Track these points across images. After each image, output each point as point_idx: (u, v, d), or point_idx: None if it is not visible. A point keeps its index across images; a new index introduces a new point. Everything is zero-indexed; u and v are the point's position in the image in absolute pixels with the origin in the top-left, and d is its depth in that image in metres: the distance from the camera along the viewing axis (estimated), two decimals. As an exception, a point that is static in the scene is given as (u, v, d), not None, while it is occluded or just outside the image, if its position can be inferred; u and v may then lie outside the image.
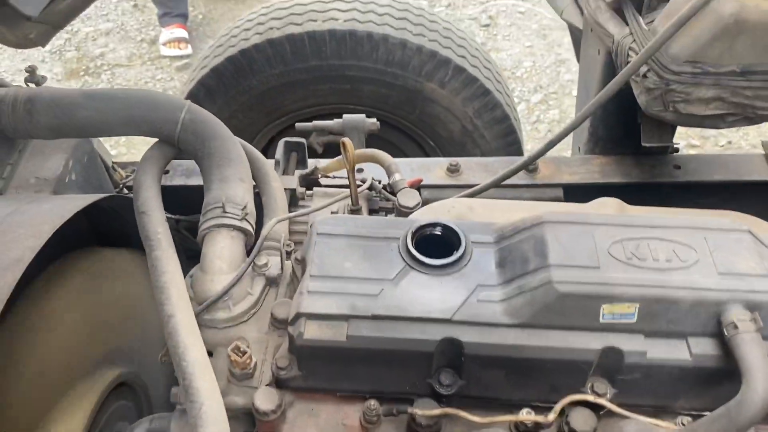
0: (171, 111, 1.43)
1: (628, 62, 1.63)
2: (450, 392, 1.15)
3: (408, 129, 2.77)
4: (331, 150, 2.35)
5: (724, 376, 1.11)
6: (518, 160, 2.01)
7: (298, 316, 1.14)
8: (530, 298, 1.11)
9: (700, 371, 1.12)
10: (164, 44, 5.02)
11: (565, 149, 4.04)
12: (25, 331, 1.26)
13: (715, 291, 1.09)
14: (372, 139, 2.57)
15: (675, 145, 2.04)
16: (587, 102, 2.06)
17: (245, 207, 1.34)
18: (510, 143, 2.80)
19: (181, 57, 4.98)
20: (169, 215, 1.82)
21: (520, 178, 1.97)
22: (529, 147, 4.52)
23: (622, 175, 1.96)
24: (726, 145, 4.34)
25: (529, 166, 1.97)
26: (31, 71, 1.48)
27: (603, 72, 1.89)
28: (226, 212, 1.32)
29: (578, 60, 2.93)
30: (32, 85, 1.47)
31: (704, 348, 1.11)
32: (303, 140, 1.77)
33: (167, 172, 2.09)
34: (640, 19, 1.64)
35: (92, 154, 1.62)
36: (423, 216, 1.50)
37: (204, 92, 2.71)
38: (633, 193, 1.95)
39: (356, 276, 1.17)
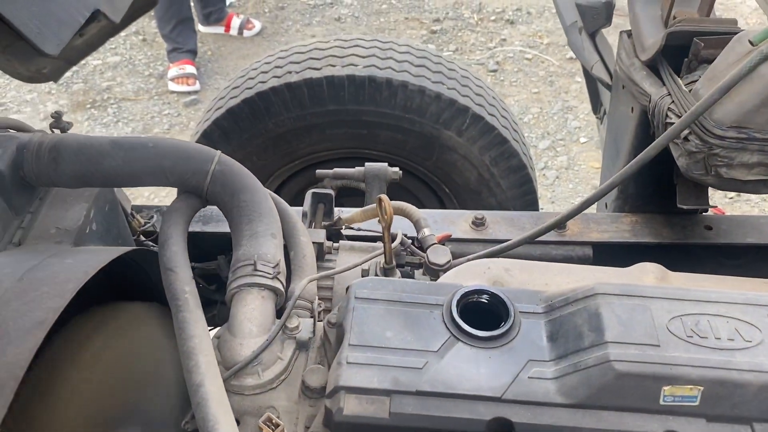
0: (201, 162, 1.38)
1: (667, 123, 1.60)
2: (497, 475, 1.08)
3: (424, 176, 2.74)
4: (345, 194, 2.31)
5: (791, 466, 1.04)
6: (546, 217, 1.97)
7: (336, 389, 1.06)
8: (586, 377, 1.04)
9: (766, 460, 1.05)
10: (172, 80, 5.00)
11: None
12: (41, 395, 1.18)
13: (783, 375, 1.03)
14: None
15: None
16: (617, 158, 2.03)
17: (277, 265, 1.28)
18: (526, 192, 2.77)
19: (189, 93, 4.96)
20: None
21: (549, 236, 1.92)
22: (538, 194, 4.50)
23: (653, 234, 1.91)
24: (735, 197, 4.32)
25: (559, 225, 1.91)
26: (57, 117, 1.43)
27: (636, 130, 1.85)
28: (257, 270, 1.26)
29: (593, 109, 2.92)
30: (57, 131, 1.41)
31: (771, 435, 1.04)
32: (331, 191, 1.72)
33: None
34: (679, 80, 1.61)
35: (114, 202, 1.56)
36: (458, 278, 1.44)
37: (219, 133, 2.67)
38: (663, 253, 1.91)
39: (398, 347, 1.10)
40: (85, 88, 5.08)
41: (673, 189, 1.84)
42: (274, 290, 1.27)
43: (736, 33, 1.54)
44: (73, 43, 1.51)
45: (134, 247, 1.36)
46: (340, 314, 1.19)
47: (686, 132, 1.51)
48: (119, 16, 1.59)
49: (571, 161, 4.56)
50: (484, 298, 1.18)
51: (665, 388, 1.03)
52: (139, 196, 4.09)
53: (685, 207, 1.77)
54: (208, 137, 2.68)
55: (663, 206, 1.96)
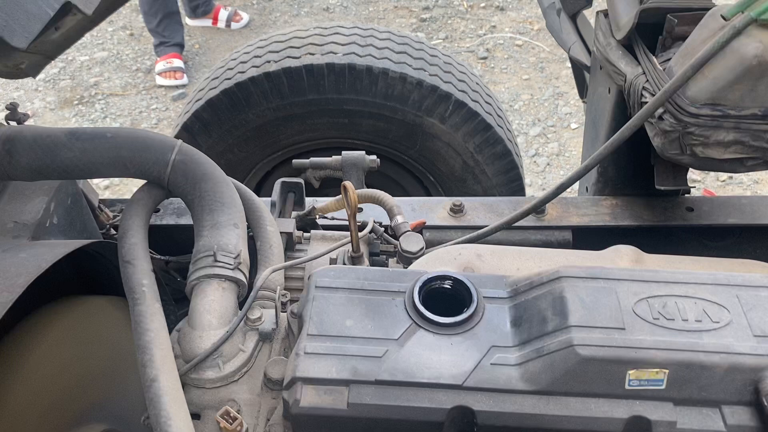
0: (161, 152, 1.34)
1: (642, 103, 1.56)
2: (461, 464, 1.05)
3: (408, 164, 2.71)
4: (329, 185, 2.27)
5: (762, 449, 1.01)
6: (525, 202, 1.94)
7: (294, 380, 1.04)
8: (549, 363, 1.02)
9: (735, 444, 1.02)
10: (160, 74, 4.96)
11: (570, 189, 4.00)
12: None
13: (752, 356, 1.00)
14: (370, 175, 2.50)
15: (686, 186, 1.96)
16: (596, 140, 2.00)
17: (238, 255, 1.25)
18: (512, 179, 2.73)
19: (177, 87, 4.92)
20: (159, 256, 1.73)
21: (527, 221, 1.89)
22: (528, 181, 4.45)
23: (633, 217, 1.88)
24: (727, 180, 4.28)
25: (537, 209, 1.88)
26: (12, 108, 1.40)
27: (614, 111, 1.82)
28: (217, 261, 1.23)
29: (580, 94, 2.88)
30: (13, 123, 1.38)
31: (740, 418, 1.01)
32: (300, 180, 1.68)
33: (158, 210, 2.00)
34: (654, 58, 1.57)
35: (77, 195, 1.53)
36: (428, 264, 1.41)
37: (199, 125, 2.63)
38: (644, 236, 1.88)
39: (358, 335, 1.08)
40: (72, 84, 5.04)
41: (653, 171, 1.81)
42: (235, 281, 1.24)
43: (709, 9, 1.50)
44: (50, 36, 1.47)
45: (93, 240, 1.33)
46: (300, 303, 1.16)
47: (660, 111, 1.48)
48: (91, 8, 1.56)
49: (562, 147, 4.52)
50: (447, 284, 1.15)
51: (630, 372, 1.00)
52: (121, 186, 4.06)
53: (663, 188, 1.73)
54: (188, 130, 2.65)
55: (643, 188, 1.92)
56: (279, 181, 1.67)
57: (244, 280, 1.26)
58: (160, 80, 4.96)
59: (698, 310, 1.06)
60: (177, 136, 2.63)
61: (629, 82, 1.61)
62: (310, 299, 1.13)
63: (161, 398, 1.02)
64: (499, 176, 2.70)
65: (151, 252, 1.42)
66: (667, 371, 1.00)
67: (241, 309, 1.22)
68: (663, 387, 1.01)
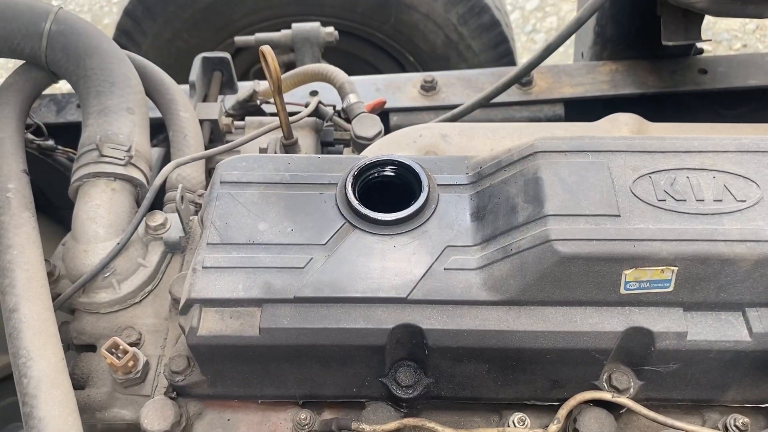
0: (32, 21, 1.05)
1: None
2: (412, 395, 0.83)
3: (382, 42, 2.39)
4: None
5: (796, 360, 0.78)
6: (508, 72, 1.64)
7: (190, 302, 0.80)
8: (520, 264, 0.77)
9: (762, 354, 0.79)
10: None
11: (564, 57, 3.64)
12: None
13: (789, 243, 0.75)
14: (340, 56, 2.20)
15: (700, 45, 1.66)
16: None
17: (131, 147, 0.99)
18: (501, 55, 2.41)
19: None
20: (73, 152, 1.46)
21: (512, 95, 1.61)
22: (525, 60, 4.10)
23: (636, 84, 1.59)
24: (741, 49, 3.91)
25: (523, 79, 1.59)
26: None
27: (612, -49, 1.49)
28: (103, 156, 0.97)
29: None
30: None
31: (769, 323, 0.78)
32: (227, 55, 1.39)
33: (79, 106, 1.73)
34: None
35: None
36: (381, 150, 1.15)
37: (142, 9, 2.32)
38: (649, 106, 1.60)
39: (273, 242, 0.83)
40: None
41: (659, 26, 1.50)
42: (128, 179, 0.99)
43: None
44: None
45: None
46: (202, 206, 0.90)
47: (670, -62, 1.16)
48: None
49: (562, 22, 4.12)
50: (390, 171, 0.89)
51: (627, 272, 0.76)
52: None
53: (671, 43, 1.43)
54: (131, 15, 2.34)
55: (648, 49, 1.62)
56: (199, 56, 1.37)
57: (142, 178, 1.01)
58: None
59: (718, 186, 0.80)
60: (119, 24, 2.32)
61: None
62: (212, 198, 0.87)
63: (21, 333, 0.80)
64: (487, 52, 2.39)
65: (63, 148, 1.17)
66: (675, 269, 0.75)
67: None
68: (670, 289, 0.77)
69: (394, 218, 0.83)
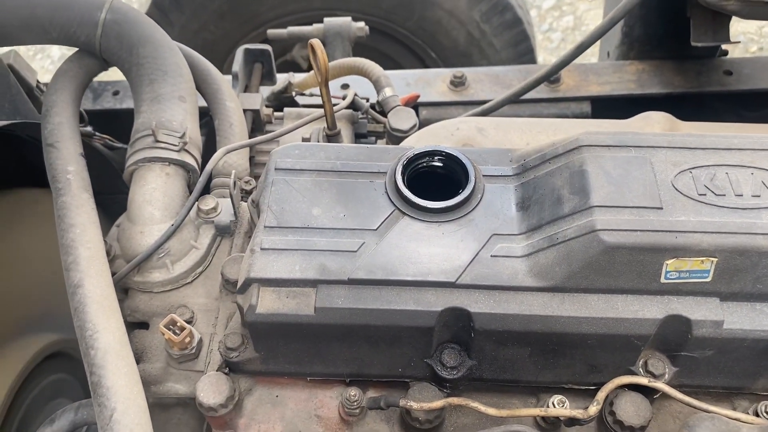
0: (88, 10, 1.09)
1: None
2: (455, 376, 0.87)
3: (405, 38, 2.43)
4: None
5: (827, 350, 0.82)
6: (537, 70, 1.67)
7: (248, 282, 0.84)
8: (566, 253, 0.81)
9: (795, 344, 0.83)
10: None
11: (583, 58, 3.67)
12: None
13: (824, 238, 0.78)
14: (362, 51, 2.23)
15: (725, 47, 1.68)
16: (621, -6, 1.70)
17: (184, 134, 1.03)
18: (522, 52, 2.45)
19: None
20: (113, 141, 1.50)
21: (540, 92, 1.64)
22: (541, 59, 4.11)
23: (662, 84, 1.62)
24: (756, 52, 3.92)
25: (551, 77, 1.62)
26: None
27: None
28: (158, 141, 1.01)
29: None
30: None
31: (803, 314, 0.81)
32: (268, 47, 1.42)
33: (117, 93, 1.77)
34: None
35: (3, 72, 1.29)
36: (420, 142, 1.19)
37: (170, 1, 2.36)
38: (674, 106, 1.62)
39: (327, 226, 0.87)
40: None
41: (687, 27, 1.53)
42: (181, 165, 1.03)
43: None
44: None
45: (17, 121, 1.10)
46: (258, 190, 0.94)
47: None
48: None
49: (578, 21, 4.14)
50: (438, 161, 0.92)
51: (668, 261, 0.79)
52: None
53: (700, 44, 1.46)
54: (158, 6, 2.38)
55: (675, 50, 1.65)
56: (241, 47, 1.41)
57: (194, 163, 1.04)
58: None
59: (756, 182, 0.83)
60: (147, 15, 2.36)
61: None
62: (268, 184, 0.91)
63: (86, 307, 0.84)
64: (509, 49, 2.42)
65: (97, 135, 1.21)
66: (715, 260, 0.79)
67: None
68: (708, 279, 0.80)
69: (442, 206, 0.87)
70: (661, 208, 0.81)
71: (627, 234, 0.79)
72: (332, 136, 1.19)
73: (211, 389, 0.86)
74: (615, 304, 0.81)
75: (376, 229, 0.87)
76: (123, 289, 1.01)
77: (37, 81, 1.47)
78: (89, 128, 1.51)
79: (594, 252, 0.79)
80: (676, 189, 0.82)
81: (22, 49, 3.84)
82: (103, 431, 0.75)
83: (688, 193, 0.82)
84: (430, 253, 0.84)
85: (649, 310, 0.81)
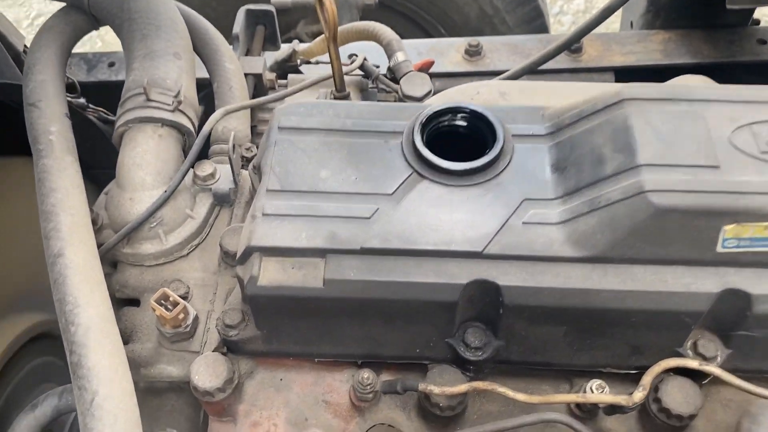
0: (73, -41, 1.00)
1: None
2: (481, 357, 0.78)
3: (414, 14, 2.33)
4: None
5: None
6: (557, 38, 1.57)
7: (249, 251, 0.75)
8: (609, 218, 0.71)
9: None
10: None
11: (612, 24, 3.56)
12: None
13: None
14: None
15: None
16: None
17: (179, 93, 0.93)
18: (536, 30, 2.35)
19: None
20: (108, 114, 1.41)
21: (560, 62, 1.54)
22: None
23: (690, 53, 1.52)
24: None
25: (572, 46, 1.53)
26: None
27: None
28: (151, 100, 0.91)
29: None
30: None
31: None
32: (271, 7, 1.33)
33: (113, 64, 1.67)
34: None
35: (-16, 33, 1.20)
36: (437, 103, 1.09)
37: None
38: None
39: (337, 190, 0.77)
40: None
41: (718, -7, 1.43)
42: (176, 126, 0.93)
43: None
44: None
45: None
46: (260, 152, 0.85)
47: None
48: None
49: (590, 4, 4.03)
50: (461, 119, 0.83)
51: (727, 228, 0.70)
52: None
53: (736, 6, 1.36)
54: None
55: (704, 18, 1.55)
56: (243, 8, 1.31)
57: (190, 125, 0.95)
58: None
59: (825, 139, 0.73)
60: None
61: None
62: (271, 144, 0.81)
63: (67, 279, 0.75)
64: (522, 26, 2.32)
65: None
66: (779, 226, 0.69)
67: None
68: (771, 248, 0.71)
69: (467, 167, 0.77)
70: (719, 167, 0.71)
71: (680, 195, 0.69)
72: (341, 99, 1.09)
73: (207, 371, 0.77)
74: (664, 277, 0.72)
75: (391, 194, 0.77)
76: (111, 263, 0.92)
77: (24, 46, 1.37)
78: (82, 100, 1.42)
79: (642, 216, 0.70)
80: (735, 146, 0.73)
81: (10, 16, 3.74)
82: (83, 417, 0.66)
83: (749, 151, 0.72)
84: (453, 220, 0.75)
85: (704, 283, 0.72)
